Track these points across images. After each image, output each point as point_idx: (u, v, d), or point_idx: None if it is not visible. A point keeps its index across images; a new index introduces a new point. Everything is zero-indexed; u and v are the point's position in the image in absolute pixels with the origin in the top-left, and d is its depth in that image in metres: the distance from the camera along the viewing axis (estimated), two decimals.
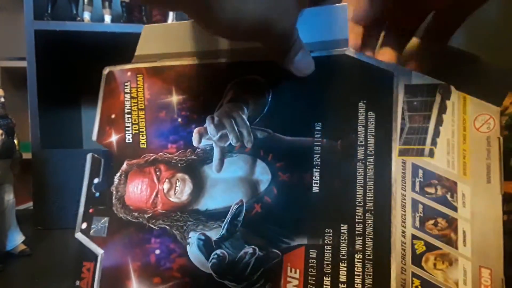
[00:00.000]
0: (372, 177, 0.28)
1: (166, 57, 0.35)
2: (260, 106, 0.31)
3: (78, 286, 0.33)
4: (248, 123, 0.31)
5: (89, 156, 0.36)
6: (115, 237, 0.34)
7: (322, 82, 0.30)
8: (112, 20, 1.03)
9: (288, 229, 0.29)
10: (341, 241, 0.28)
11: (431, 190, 0.26)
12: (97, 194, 0.35)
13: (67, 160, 0.82)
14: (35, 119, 0.82)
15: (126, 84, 0.36)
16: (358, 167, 0.28)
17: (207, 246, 0.31)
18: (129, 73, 0.36)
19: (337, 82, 0.30)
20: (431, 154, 0.27)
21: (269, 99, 0.31)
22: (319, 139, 0.29)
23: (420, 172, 0.27)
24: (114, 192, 0.34)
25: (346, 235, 0.28)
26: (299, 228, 0.29)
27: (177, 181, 0.32)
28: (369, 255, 0.27)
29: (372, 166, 0.28)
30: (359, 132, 0.28)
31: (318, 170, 0.29)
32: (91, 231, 0.34)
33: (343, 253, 0.27)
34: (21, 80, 0.96)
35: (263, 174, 0.30)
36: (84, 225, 0.35)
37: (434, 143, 0.27)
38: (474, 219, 0.25)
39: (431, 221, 0.26)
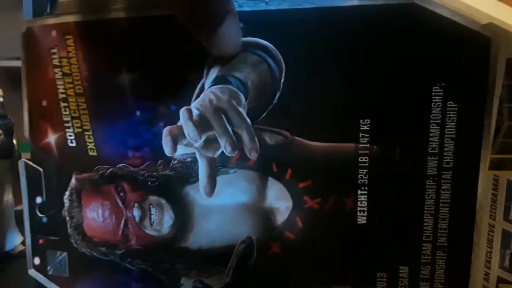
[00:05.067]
0: (448, 201, 0.19)
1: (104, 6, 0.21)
2: (267, 92, 0.19)
3: None
4: (249, 120, 0.19)
5: (21, 165, 0.24)
6: (81, 278, 0.25)
7: (373, 52, 0.18)
8: None
9: (324, 275, 0.21)
10: None
11: None
12: (44, 219, 0.25)
13: None
14: None
15: (53, 51, 0.23)
16: (427, 187, 0.19)
17: None
18: (54, 32, 0.22)
19: (398, 51, 0.18)
20: None
21: (282, 81, 0.19)
22: (367, 145, 0.19)
23: None
24: (67, 218, 0.24)
25: (407, 280, 0.20)
26: (340, 273, 0.20)
27: (151, 206, 0.22)
28: None
29: (449, 185, 0.19)
30: (431, 134, 0.19)
31: (366, 192, 0.19)
32: (49, 269, 0.25)
33: None
34: (20, 80, 0.85)
35: (279, 199, 0.20)
36: (37, 261, 0.25)
37: None
38: None
39: None
